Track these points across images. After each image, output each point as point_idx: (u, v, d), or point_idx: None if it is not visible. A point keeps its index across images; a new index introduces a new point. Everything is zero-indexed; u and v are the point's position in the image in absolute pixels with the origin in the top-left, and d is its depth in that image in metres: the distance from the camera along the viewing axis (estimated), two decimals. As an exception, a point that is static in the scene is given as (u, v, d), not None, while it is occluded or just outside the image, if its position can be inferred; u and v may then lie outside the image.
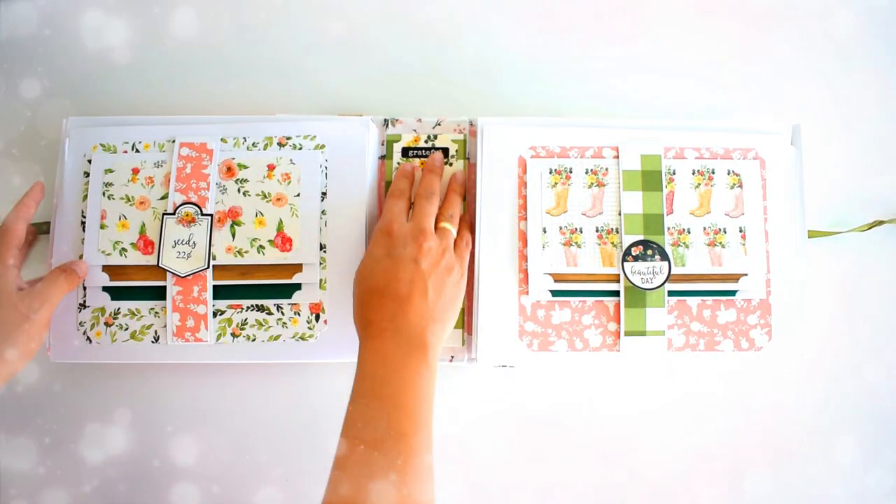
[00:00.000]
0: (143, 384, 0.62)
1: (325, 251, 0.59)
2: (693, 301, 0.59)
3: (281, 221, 0.59)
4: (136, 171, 0.60)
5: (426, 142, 0.62)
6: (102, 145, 0.61)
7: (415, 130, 0.62)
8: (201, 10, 0.67)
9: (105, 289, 0.60)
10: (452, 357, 0.60)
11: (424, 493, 0.46)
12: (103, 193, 0.60)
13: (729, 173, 0.60)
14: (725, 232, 0.59)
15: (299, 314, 0.59)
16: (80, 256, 0.60)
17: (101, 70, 0.66)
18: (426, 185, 0.58)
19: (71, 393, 0.62)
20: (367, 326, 0.51)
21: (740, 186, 0.60)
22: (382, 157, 0.62)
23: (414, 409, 0.48)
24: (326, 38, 0.66)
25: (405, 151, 0.62)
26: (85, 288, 0.60)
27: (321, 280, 0.59)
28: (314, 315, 0.59)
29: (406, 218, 0.56)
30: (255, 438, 0.61)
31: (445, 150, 0.62)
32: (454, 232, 0.57)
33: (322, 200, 0.60)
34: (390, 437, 0.46)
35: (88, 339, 0.59)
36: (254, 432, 0.61)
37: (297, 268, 0.59)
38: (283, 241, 0.59)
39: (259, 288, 0.59)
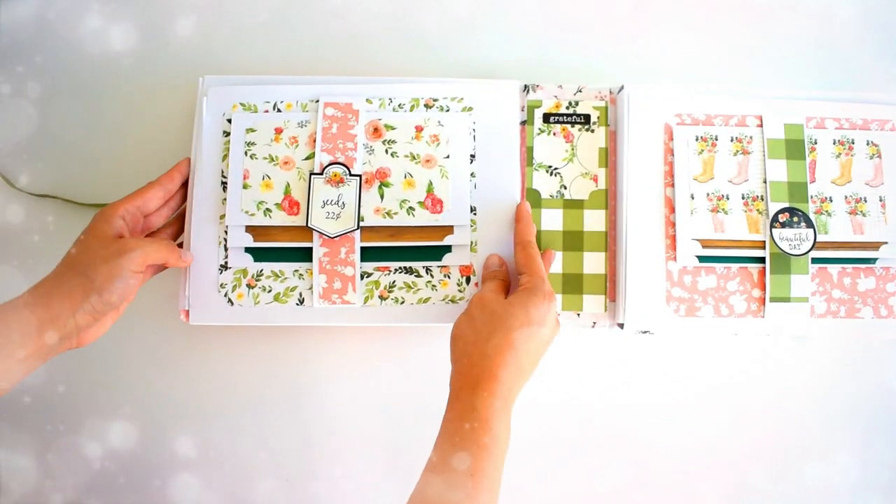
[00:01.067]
0: (289, 347, 0.62)
1: (475, 213, 0.59)
2: (834, 268, 0.60)
3: (431, 183, 0.59)
4: (279, 131, 0.59)
5: (567, 108, 0.62)
6: (242, 104, 0.60)
7: (555, 97, 0.62)
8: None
9: (248, 250, 0.58)
10: (595, 323, 0.60)
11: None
12: (245, 153, 0.59)
13: (868, 143, 0.61)
14: (866, 201, 0.60)
15: (449, 276, 0.58)
16: (222, 217, 0.58)
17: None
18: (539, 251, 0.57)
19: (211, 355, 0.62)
20: (489, 379, 0.49)
21: (879, 157, 0.61)
22: (523, 123, 0.62)
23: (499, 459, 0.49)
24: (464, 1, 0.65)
25: (546, 117, 0.62)
26: (227, 249, 0.58)
27: (472, 242, 0.58)
28: (465, 278, 0.58)
29: None
30: (404, 398, 0.61)
31: (587, 117, 0.62)
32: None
33: (471, 163, 0.59)
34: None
35: (230, 301, 0.58)
36: (403, 392, 0.61)
37: (448, 230, 0.58)
38: (434, 203, 0.58)
39: (408, 250, 0.58)
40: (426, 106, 0.60)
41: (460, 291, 0.58)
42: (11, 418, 0.61)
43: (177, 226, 0.59)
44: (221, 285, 0.58)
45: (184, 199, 0.59)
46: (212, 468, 0.61)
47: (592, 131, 0.62)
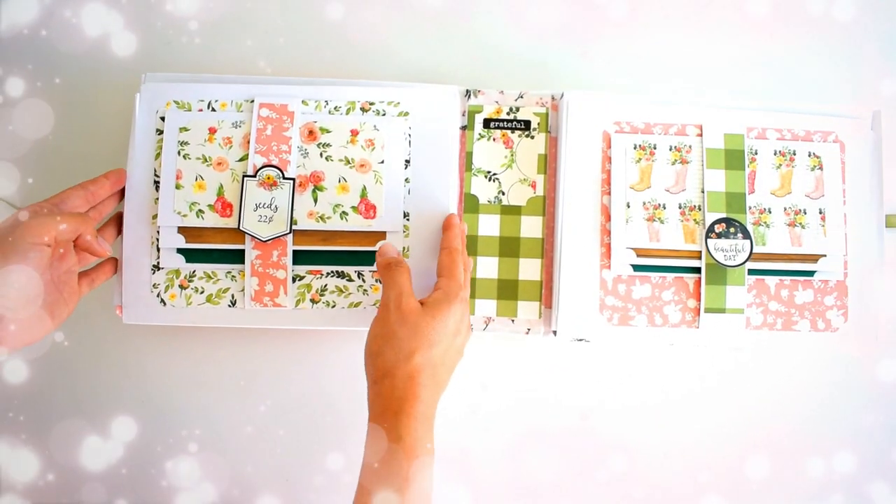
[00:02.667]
0: (216, 349, 0.61)
1: (408, 219, 0.59)
2: (772, 280, 0.59)
3: (365, 188, 0.58)
4: (212, 131, 0.59)
5: (508, 113, 0.62)
6: (177, 102, 0.59)
7: (497, 102, 0.62)
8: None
9: (180, 251, 0.58)
10: (529, 329, 0.60)
11: None
12: (178, 152, 0.59)
13: (810, 155, 0.60)
14: (805, 213, 0.60)
15: (380, 282, 0.58)
16: (154, 217, 0.58)
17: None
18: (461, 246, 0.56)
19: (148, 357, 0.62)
20: (412, 401, 0.49)
21: (820, 168, 0.60)
22: (463, 128, 0.62)
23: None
24: (410, 4, 0.65)
25: (486, 122, 0.62)
26: (159, 250, 0.58)
27: (404, 248, 0.58)
28: (396, 283, 0.58)
29: None
30: (330, 402, 0.61)
31: (528, 123, 0.61)
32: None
33: (406, 168, 0.59)
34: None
35: (162, 301, 0.58)
36: (330, 397, 0.61)
37: (381, 235, 0.58)
38: (367, 208, 0.58)
39: (340, 254, 0.58)
40: (362, 109, 0.60)
41: (391, 296, 0.58)
42: (11, 419, 0.62)
43: (114, 227, 0.59)
44: (154, 285, 0.58)
45: (115, 204, 0.59)
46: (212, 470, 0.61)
47: (532, 137, 0.61)
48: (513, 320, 0.60)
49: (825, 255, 0.59)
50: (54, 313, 0.51)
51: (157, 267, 0.58)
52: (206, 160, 0.59)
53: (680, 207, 0.59)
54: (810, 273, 0.59)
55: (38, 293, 0.49)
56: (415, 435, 0.47)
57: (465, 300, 0.53)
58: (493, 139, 0.61)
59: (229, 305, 0.58)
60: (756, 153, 0.60)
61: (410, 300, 0.51)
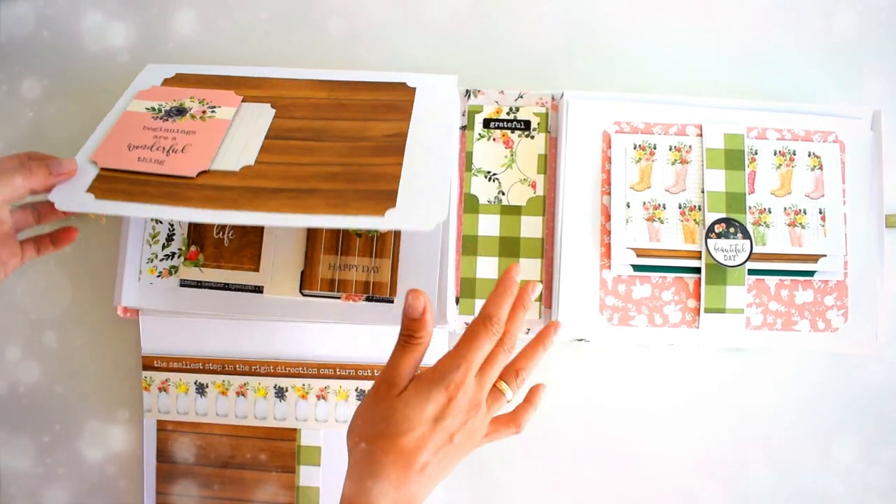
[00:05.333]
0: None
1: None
2: (771, 280, 0.59)
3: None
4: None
5: (508, 113, 0.62)
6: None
7: (496, 102, 0.62)
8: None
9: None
10: (529, 330, 0.60)
11: None
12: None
13: (810, 155, 0.60)
14: (805, 213, 0.60)
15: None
16: None
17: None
18: (513, 331, 0.48)
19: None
20: (364, 471, 0.44)
21: (820, 168, 0.60)
22: (463, 128, 0.62)
23: None
24: (411, 4, 0.65)
25: (486, 122, 0.62)
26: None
27: (404, 248, 0.58)
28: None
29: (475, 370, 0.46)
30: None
31: (527, 123, 0.62)
32: (508, 399, 0.49)
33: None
34: None
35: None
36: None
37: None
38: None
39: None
40: None
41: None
42: (10, 420, 0.62)
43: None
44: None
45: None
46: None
47: (532, 137, 0.62)
48: (513, 320, 0.60)
49: (825, 255, 0.59)
50: None
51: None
52: None
53: (680, 207, 0.59)
54: (810, 273, 0.59)
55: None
56: None
57: (460, 384, 0.44)
58: (493, 139, 0.62)
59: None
60: (756, 153, 0.60)
61: (398, 379, 0.45)
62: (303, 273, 0.58)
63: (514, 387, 0.49)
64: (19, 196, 0.48)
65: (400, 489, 0.44)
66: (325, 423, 0.60)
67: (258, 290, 0.58)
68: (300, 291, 0.58)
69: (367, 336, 0.59)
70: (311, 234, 0.58)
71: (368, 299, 0.58)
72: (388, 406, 0.44)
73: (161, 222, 0.59)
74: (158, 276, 0.59)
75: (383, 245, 0.58)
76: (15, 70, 0.64)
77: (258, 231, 0.59)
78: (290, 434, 0.60)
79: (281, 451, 0.60)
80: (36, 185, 0.48)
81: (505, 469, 0.61)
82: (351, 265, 0.58)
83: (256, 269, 0.58)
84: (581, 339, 0.60)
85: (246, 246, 0.58)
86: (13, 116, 0.64)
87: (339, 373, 0.60)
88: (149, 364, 0.60)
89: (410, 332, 0.45)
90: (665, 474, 0.61)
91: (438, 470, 0.45)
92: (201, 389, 0.60)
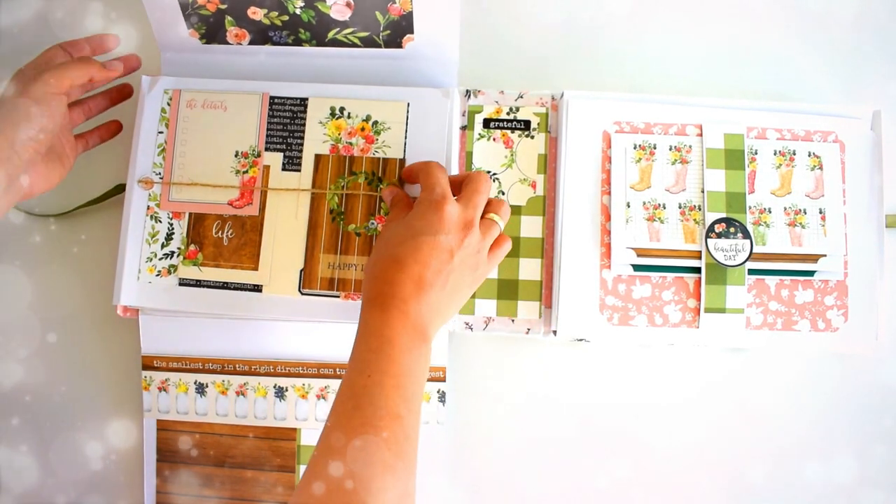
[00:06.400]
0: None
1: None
2: (772, 280, 0.59)
3: (365, 187, 0.59)
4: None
5: (508, 114, 0.62)
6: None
7: (496, 102, 0.62)
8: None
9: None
10: (529, 329, 0.60)
11: (411, 478, 0.45)
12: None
13: (810, 155, 0.60)
14: (805, 213, 0.60)
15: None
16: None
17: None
18: (487, 180, 0.54)
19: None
20: (377, 296, 0.49)
21: (820, 168, 0.60)
22: (463, 128, 0.62)
23: (412, 394, 0.46)
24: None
25: (486, 122, 0.62)
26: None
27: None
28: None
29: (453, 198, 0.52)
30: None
31: (527, 123, 0.62)
32: (501, 227, 0.54)
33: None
34: (388, 415, 0.44)
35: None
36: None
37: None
38: (367, 207, 0.58)
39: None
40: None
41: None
42: (10, 419, 0.62)
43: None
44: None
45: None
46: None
47: (532, 137, 0.62)
48: (513, 320, 0.60)
49: (825, 255, 0.59)
50: (63, 163, 0.55)
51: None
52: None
53: (680, 207, 0.59)
54: (810, 273, 0.59)
55: (57, 141, 0.54)
56: (381, 322, 0.47)
57: (435, 200, 0.50)
58: (493, 139, 0.62)
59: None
60: (756, 153, 0.60)
61: (388, 221, 0.54)
62: (302, 272, 0.58)
63: (503, 214, 0.54)
64: (77, 88, 0.53)
65: (407, 303, 0.48)
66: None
67: (257, 288, 0.58)
68: (299, 290, 0.58)
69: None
70: (311, 233, 0.58)
71: None
72: (385, 231, 0.52)
73: (160, 221, 0.59)
74: (157, 275, 0.59)
75: (383, 244, 0.58)
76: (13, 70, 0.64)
77: (257, 230, 0.59)
78: (290, 434, 0.60)
79: (281, 450, 0.60)
80: (97, 77, 0.54)
81: (505, 468, 0.61)
82: (350, 264, 0.58)
83: (256, 268, 0.58)
84: (581, 339, 0.60)
85: (245, 245, 0.58)
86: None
87: (339, 373, 0.60)
88: (148, 364, 0.60)
89: (394, 203, 0.55)
90: (665, 474, 0.61)
91: (445, 290, 0.49)
92: (201, 389, 0.60)
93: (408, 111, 0.59)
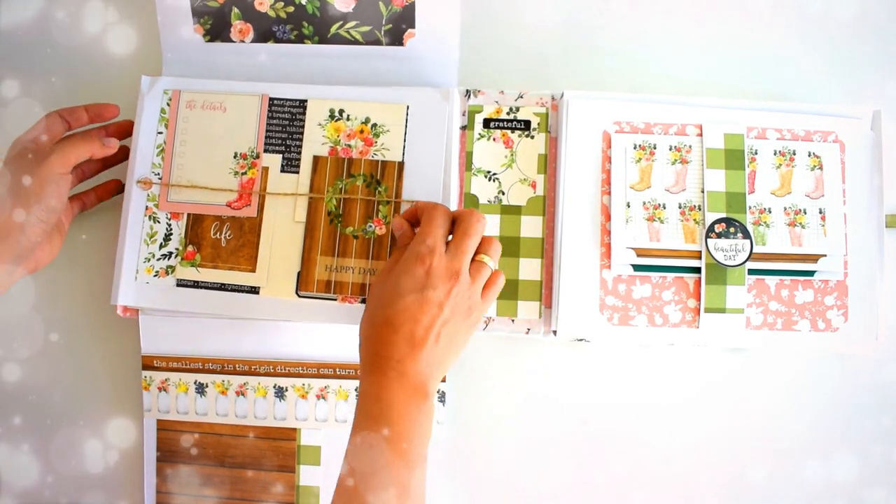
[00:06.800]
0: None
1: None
2: (772, 280, 0.59)
3: (365, 187, 0.59)
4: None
5: (508, 113, 0.62)
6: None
7: (496, 102, 0.62)
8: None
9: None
10: (529, 329, 0.60)
11: None
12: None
13: (810, 155, 0.60)
14: (805, 213, 0.60)
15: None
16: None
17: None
18: (479, 221, 0.53)
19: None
20: (374, 360, 0.49)
21: (820, 168, 0.60)
22: (463, 128, 0.62)
23: (415, 457, 0.47)
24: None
25: (486, 122, 0.62)
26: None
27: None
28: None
29: (445, 248, 0.52)
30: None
31: (527, 123, 0.62)
32: (492, 267, 0.53)
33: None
34: (394, 485, 0.46)
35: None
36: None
37: (381, 234, 0.58)
38: (367, 207, 0.58)
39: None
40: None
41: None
42: (10, 419, 0.62)
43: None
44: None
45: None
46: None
47: (532, 137, 0.62)
48: (513, 320, 0.60)
49: (825, 255, 0.59)
50: (61, 232, 0.57)
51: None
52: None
53: (680, 207, 0.59)
54: (810, 273, 0.59)
55: (60, 219, 0.56)
56: (379, 388, 0.48)
57: (422, 253, 0.50)
58: (493, 139, 0.62)
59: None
60: (756, 153, 0.60)
61: (383, 269, 0.53)
62: (299, 274, 0.58)
63: (493, 254, 0.53)
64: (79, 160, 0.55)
65: (403, 363, 0.48)
66: (325, 422, 0.60)
67: (254, 290, 0.58)
68: (296, 293, 0.58)
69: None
70: (308, 236, 0.58)
71: (364, 301, 0.58)
72: (377, 285, 0.52)
73: (158, 221, 0.59)
74: (155, 276, 0.59)
75: (380, 247, 0.58)
76: (13, 70, 0.64)
77: (255, 231, 0.59)
78: (290, 434, 0.60)
79: (281, 450, 0.60)
80: (98, 155, 0.56)
81: (505, 468, 0.61)
82: (347, 267, 0.58)
83: (253, 270, 0.58)
84: (581, 339, 0.60)
85: (243, 246, 0.58)
86: (5, 117, 0.64)
87: (338, 373, 0.60)
88: (148, 364, 0.60)
89: (401, 242, 0.54)
90: (665, 474, 0.61)
91: (440, 344, 0.49)
92: (201, 389, 0.60)
93: (407, 114, 0.59)
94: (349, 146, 0.59)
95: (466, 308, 0.51)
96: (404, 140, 0.59)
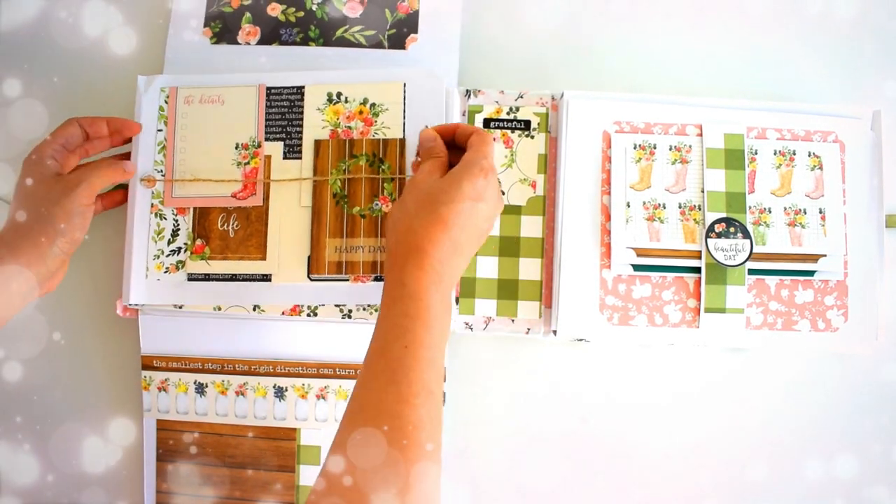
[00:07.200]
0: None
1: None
2: (772, 280, 0.59)
3: (365, 187, 0.59)
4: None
5: (508, 113, 0.62)
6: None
7: (497, 102, 0.62)
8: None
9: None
10: (529, 329, 0.60)
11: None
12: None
13: (810, 155, 0.60)
14: (805, 213, 0.60)
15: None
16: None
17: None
18: (492, 142, 0.53)
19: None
20: (415, 253, 0.47)
21: (820, 168, 0.60)
22: (463, 127, 0.62)
23: (439, 366, 0.46)
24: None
25: (486, 122, 0.62)
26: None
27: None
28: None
29: None
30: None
31: (528, 123, 0.62)
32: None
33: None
34: (423, 391, 0.44)
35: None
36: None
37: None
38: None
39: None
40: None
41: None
42: (10, 418, 0.62)
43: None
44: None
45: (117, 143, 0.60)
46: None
47: (532, 137, 0.62)
48: (513, 320, 0.60)
49: (825, 255, 0.59)
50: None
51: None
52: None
53: (680, 207, 0.59)
54: (810, 273, 0.59)
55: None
56: (420, 283, 0.46)
57: (487, 168, 0.50)
58: (493, 139, 0.62)
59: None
60: (756, 153, 0.60)
61: (427, 174, 0.51)
62: (309, 258, 0.58)
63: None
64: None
65: (442, 265, 0.47)
66: (325, 422, 0.60)
67: (266, 278, 0.58)
68: (308, 277, 0.58)
69: (366, 336, 0.59)
70: (316, 219, 0.58)
71: (377, 279, 0.58)
72: (428, 184, 0.49)
73: (165, 218, 0.59)
74: (166, 272, 0.59)
75: (388, 223, 0.58)
76: (13, 70, 0.64)
77: (262, 220, 0.59)
78: (290, 434, 0.60)
79: (281, 450, 0.60)
80: (119, 181, 0.58)
81: (505, 468, 0.61)
82: (357, 246, 0.58)
83: (263, 258, 0.58)
84: (581, 339, 0.60)
85: (251, 235, 0.59)
86: (8, 116, 0.64)
87: (338, 372, 0.60)
88: (148, 364, 0.60)
89: (430, 153, 0.52)
90: (665, 474, 0.61)
91: (468, 255, 0.50)
92: (201, 389, 0.60)
93: (405, 91, 0.59)
94: (349, 128, 0.60)
95: (488, 230, 0.52)
96: (404, 117, 0.59)
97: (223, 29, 0.63)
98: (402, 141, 0.59)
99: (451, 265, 0.48)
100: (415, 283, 0.47)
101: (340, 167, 0.59)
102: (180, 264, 0.59)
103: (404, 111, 0.59)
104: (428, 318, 0.46)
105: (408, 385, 0.44)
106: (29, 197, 0.53)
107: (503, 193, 0.54)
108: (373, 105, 0.59)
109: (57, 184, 0.53)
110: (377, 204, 0.58)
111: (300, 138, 0.59)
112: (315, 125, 0.60)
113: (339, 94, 0.60)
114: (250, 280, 0.58)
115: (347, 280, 0.58)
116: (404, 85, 0.59)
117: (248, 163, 0.59)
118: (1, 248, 0.51)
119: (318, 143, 0.59)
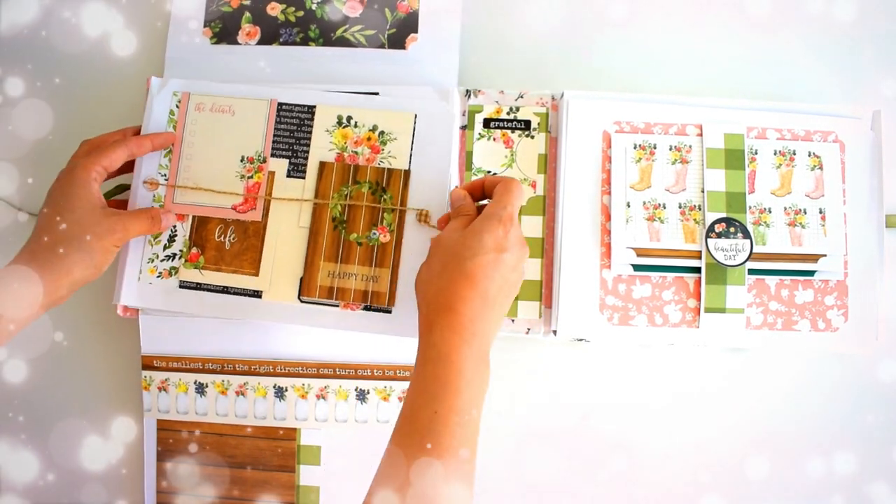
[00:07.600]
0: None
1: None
2: (772, 280, 0.59)
3: (365, 187, 0.59)
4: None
5: (508, 113, 0.62)
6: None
7: (497, 102, 0.62)
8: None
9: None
10: (529, 329, 0.60)
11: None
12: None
13: (810, 155, 0.60)
14: (805, 213, 0.60)
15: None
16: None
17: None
18: (522, 192, 0.54)
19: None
20: (445, 313, 0.47)
21: (820, 168, 0.60)
22: (463, 128, 0.62)
23: (474, 430, 0.46)
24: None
25: (486, 122, 0.62)
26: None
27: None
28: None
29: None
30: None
31: (528, 123, 0.62)
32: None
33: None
34: (452, 457, 0.44)
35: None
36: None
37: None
38: (367, 207, 0.58)
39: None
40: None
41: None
42: (10, 418, 0.62)
43: None
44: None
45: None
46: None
47: (532, 137, 0.62)
48: (513, 320, 0.60)
49: (825, 255, 0.59)
50: None
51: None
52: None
53: (680, 207, 0.60)
54: (810, 273, 0.59)
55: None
56: (450, 344, 0.46)
57: (506, 217, 0.49)
58: (493, 139, 0.62)
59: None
60: (756, 153, 0.60)
61: (450, 231, 0.51)
62: (302, 279, 0.58)
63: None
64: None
65: (474, 323, 0.47)
66: (325, 422, 0.60)
67: (257, 294, 0.58)
68: (298, 298, 0.58)
69: (366, 337, 0.59)
70: (312, 241, 0.58)
71: (367, 308, 0.58)
72: (451, 241, 0.49)
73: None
74: (158, 277, 0.59)
75: (383, 254, 0.58)
76: (15, 70, 0.65)
77: (259, 235, 0.59)
78: (290, 434, 0.60)
79: (281, 450, 0.60)
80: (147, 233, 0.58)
81: (505, 468, 0.61)
82: (350, 273, 0.58)
83: (256, 274, 0.58)
84: (581, 339, 0.60)
85: (247, 250, 0.58)
86: (11, 116, 0.64)
87: (338, 373, 0.60)
88: (148, 364, 0.60)
89: (460, 212, 0.52)
90: (665, 474, 0.61)
91: (502, 307, 0.49)
92: (201, 389, 0.60)
93: (415, 122, 0.59)
94: (356, 153, 0.59)
95: (519, 279, 0.51)
96: (411, 149, 0.59)
97: (223, 29, 0.63)
98: (407, 172, 0.58)
99: (483, 320, 0.48)
100: (445, 345, 0.46)
101: (342, 192, 0.58)
102: (173, 270, 0.58)
103: (412, 143, 0.59)
104: (459, 382, 0.45)
105: (436, 449, 0.44)
106: (76, 223, 0.52)
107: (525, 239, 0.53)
108: (381, 133, 0.59)
109: (103, 219, 0.53)
110: (375, 233, 0.58)
111: (306, 158, 0.59)
112: (322, 146, 0.59)
113: (349, 118, 0.59)
114: (241, 294, 0.58)
115: (337, 306, 0.58)
116: (415, 116, 0.59)
117: (251, 177, 0.59)
118: (36, 260, 0.51)
119: (322, 165, 0.59)
